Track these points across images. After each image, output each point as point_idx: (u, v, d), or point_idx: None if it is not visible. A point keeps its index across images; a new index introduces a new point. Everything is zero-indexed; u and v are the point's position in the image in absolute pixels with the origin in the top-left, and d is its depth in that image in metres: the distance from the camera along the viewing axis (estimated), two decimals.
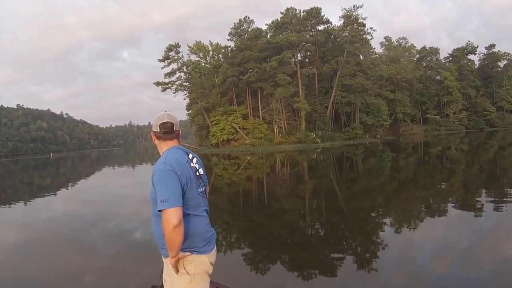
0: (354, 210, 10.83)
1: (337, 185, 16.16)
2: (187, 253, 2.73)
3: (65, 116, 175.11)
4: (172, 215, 2.50)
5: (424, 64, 71.50)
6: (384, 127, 58.73)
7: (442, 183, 14.33)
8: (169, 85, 60.75)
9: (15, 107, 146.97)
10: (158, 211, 2.58)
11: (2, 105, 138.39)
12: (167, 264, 2.87)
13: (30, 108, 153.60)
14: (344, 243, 7.76)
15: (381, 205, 11.26)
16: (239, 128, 55.98)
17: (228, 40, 61.69)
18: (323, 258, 6.87)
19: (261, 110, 55.35)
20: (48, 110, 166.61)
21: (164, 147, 2.89)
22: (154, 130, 2.89)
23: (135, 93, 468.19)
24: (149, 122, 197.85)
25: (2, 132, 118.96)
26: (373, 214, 10.23)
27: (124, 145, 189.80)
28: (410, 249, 6.76)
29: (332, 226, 9.33)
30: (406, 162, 24.06)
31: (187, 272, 2.74)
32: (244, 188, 17.64)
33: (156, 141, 2.92)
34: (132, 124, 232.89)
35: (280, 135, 53.94)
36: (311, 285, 5.62)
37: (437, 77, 71.65)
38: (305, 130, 52.66)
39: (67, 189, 22.26)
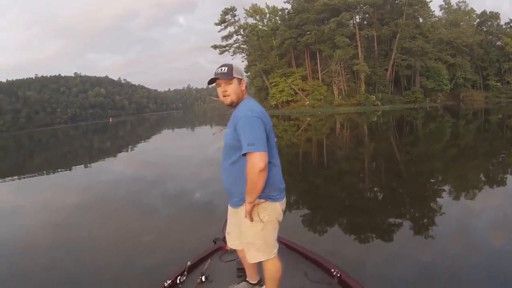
0: (413, 175, 10.56)
1: (397, 149, 15.80)
2: (262, 200, 2.71)
3: (123, 82, 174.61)
4: (259, 159, 2.49)
5: (485, 29, 66.56)
6: (444, 92, 56.11)
7: (503, 152, 13.60)
8: (227, 48, 60.60)
9: (73, 75, 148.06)
10: (243, 155, 2.57)
11: (60, 74, 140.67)
12: (236, 214, 2.92)
13: (87, 76, 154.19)
14: (401, 208, 7.66)
15: (440, 171, 10.89)
16: (298, 89, 55.43)
17: (284, 2, 60.35)
18: (380, 222, 6.83)
19: (320, 72, 54.38)
20: (106, 77, 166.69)
21: (245, 96, 2.88)
22: (244, 79, 2.89)
23: (193, 57, 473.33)
24: (207, 85, 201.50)
25: (61, 100, 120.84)
26: (431, 180, 9.98)
27: (182, 108, 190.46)
28: (467, 218, 6.54)
29: (390, 190, 9.21)
30: (466, 128, 23.04)
31: (261, 220, 2.74)
32: (303, 149, 17.61)
33: (243, 88, 2.87)
34: (191, 87, 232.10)
35: (339, 97, 52.99)
36: (367, 248, 5.61)
37: (498, 43, 66.77)
38: (365, 92, 51.44)
39: (127, 152, 22.69)
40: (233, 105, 2.81)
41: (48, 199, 10.32)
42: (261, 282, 3.31)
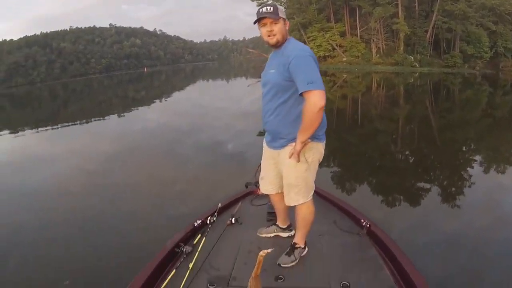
0: (446, 141, 10.39)
1: (432, 113, 15.47)
2: (309, 140, 2.66)
3: (158, 32, 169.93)
4: (319, 97, 2.41)
5: None
6: (483, 59, 53.41)
7: None
8: (265, 0, 58.59)
9: (108, 26, 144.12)
10: (300, 94, 2.50)
11: (94, 25, 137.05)
12: (276, 157, 2.89)
13: (122, 27, 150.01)
14: (431, 174, 7.67)
15: (473, 140, 10.70)
16: (336, 45, 53.85)
17: None
18: (409, 185, 6.87)
19: (359, 29, 52.47)
20: (141, 27, 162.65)
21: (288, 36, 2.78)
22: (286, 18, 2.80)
23: (230, 10, 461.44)
24: (244, 37, 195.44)
25: (95, 50, 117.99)
26: (464, 149, 9.85)
27: (218, 59, 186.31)
28: (497, 192, 6.42)
29: (422, 155, 9.16)
30: (504, 99, 22.25)
31: (306, 160, 2.72)
32: (338, 106, 17.42)
33: (287, 28, 2.77)
34: (227, 39, 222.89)
35: (377, 55, 51.38)
36: (394, 211, 5.64)
37: None
38: (403, 52, 49.66)
39: (161, 102, 22.49)
40: (278, 44, 2.72)
41: (83, 148, 10.51)
42: (290, 227, 3.41)
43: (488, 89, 27.34)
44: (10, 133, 14.16)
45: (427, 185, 6.68)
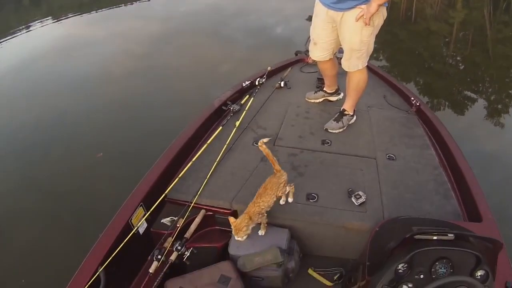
0: (499, 55, 9.65)
1: (489, 23, 14.34)
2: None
3: None
4: None
5: None
6: None
7: None
8: None
9: None
10: None
11: None
12: (337, 19, 2.70)
13: None
14: (480, 85, 7.34)
15: None
16: None
17: None
18: (455, 93, 6.63)
19: None
20: None
21: None
22: None
23: None
24: None
25: None
26: None
27: None
28: None
29: (473, 64, 8.68)
30: None
31: (373, 23, 2.59)
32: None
33: None
34: None
35: None
36: (438, 115, 5.51)
37: None
38: None
39: None
40: None
41: (128, 30, 10.07)
42: (338, 90, 3.41)
43: None
44: (53, 20, 13.53)
45: (474, 96, 6.51)
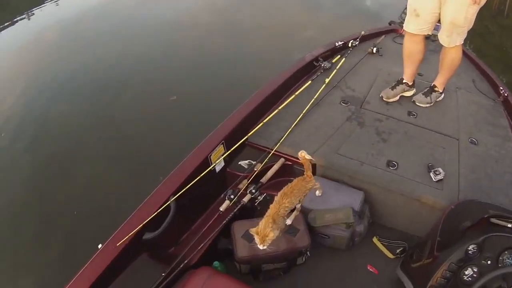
0: None
1: None
2: None
3: None
4: None
5: None
6: None
7: None
8: None
9: None
10: None
11: None
12: None
13: None
14: None
15: None
16: None
17: None
18: None
19: None
20: None
21: None
22: None
23: None
24: None
25: None
26: None
27: None
28: None
29: None
30: None
31: (480, 1, 2.48)
32: None
33: None
34: None
35: None
36: None
37: None
38: None
39: None
40: None
41: None
42: (414, 84, 3.20)
43: None
44: None
45: None
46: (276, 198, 1.95)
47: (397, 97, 3.12)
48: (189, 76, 5.29)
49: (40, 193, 4.01)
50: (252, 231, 1.85)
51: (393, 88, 3.12)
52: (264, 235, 1.81)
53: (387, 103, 2.93)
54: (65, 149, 4.39)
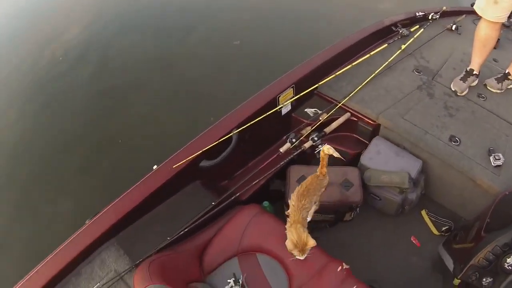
0: None
1: None
2: None
3: None
4: None
5: None
6: None
7: None
8: None
9: None
10: None
11: None
12: None
13: None
14: None
15: None
16: None
17: None
18: None
19: None
20: None
21: None
22: None
23: None
24: None
25: None
26: None
27: None
28: None
29: None
30: None
31: None
32: None
33: None
34: None
35: None
36: None
37: None
38: None
39: None
40: None
41: None
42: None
43: None
44: None
45: None
46: (291, 203, 1.84)
47: (467, 90, 3.02)
48: (255, 26, 5.13)
49: (93, 123, 4.11)
50: (289, 246, 1.70)
51: (464, 80, 2.98)
52: (303, 244, 1.68)
53: None
54: (123, 82, 4.45)
